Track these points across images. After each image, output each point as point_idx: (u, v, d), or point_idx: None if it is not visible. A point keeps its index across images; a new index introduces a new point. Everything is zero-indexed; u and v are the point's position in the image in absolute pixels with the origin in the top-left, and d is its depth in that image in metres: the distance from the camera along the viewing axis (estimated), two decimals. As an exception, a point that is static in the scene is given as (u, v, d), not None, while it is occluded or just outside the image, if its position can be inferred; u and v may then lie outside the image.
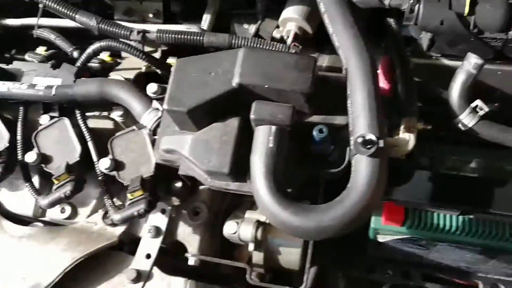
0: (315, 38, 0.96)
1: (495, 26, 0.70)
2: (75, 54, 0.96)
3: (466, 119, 0.72)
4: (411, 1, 0.71)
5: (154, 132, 0.77)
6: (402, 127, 0.73)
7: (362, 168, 0.60)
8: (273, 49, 0.88)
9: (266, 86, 0.65)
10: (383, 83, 0.78)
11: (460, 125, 0.73)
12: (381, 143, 0.59)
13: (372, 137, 0.60)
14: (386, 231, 0.78)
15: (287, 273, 0.84)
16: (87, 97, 0.82)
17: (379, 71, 0.80)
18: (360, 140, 0.59)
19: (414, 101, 0.75)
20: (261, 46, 0.90)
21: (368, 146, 0.59)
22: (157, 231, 0.80)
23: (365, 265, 0.96)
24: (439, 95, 0.91)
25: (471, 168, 0.77)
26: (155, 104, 0.78)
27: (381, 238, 0.81)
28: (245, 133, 0.68)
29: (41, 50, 0.98)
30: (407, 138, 0.73)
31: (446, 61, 0.79)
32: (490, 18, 0.70)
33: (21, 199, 0.87)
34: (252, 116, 0.65)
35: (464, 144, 0.80)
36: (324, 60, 0.97)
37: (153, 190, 0.77)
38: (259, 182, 0.62)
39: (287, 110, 0.65)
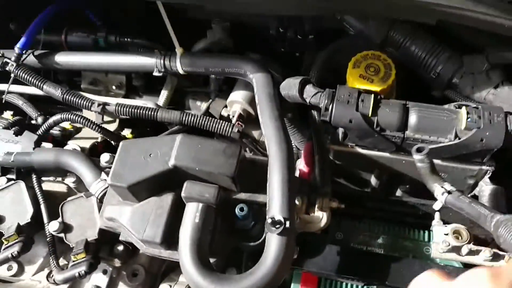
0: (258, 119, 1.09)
1: (393, 126, 0.84)
2: (40, 120, 1.06)
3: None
4: (326, 101, 0.85)
5: (101, 200, 0.86)
6: (316, 206, 0.85)
7: (271, 244, 0.71)
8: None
9: (197, 168, 0.76)
10: (303, 167, 0.91)
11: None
12: (288, 224, 0.70)
13: (281, 218, 0.70)
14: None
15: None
16: (43, 165, 0.91)
17: (302, 156, 0.93)
18: (269, 220, 0.70)
19: (328, 183, 0.87)
20: (208, 123, 1.01)
21: (277, 226, 0.70)
22: (98, 290, 0.88)
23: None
24: (356, 173, 1.05)
25: (378, 243, 0.89)
26: (104, 175, 0.88)
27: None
28: (179, 207, 0.78)
29: (7, 114, 1.08)
30: (320, 216, 0.84)
31: (359, 150, 0.92)
32: (389, 120, 0.84)
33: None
34: (183, 194, 0.76)
35: (375, 221, 0.92)
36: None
37: (96, 252, 0.85)
38: (184, 254, 0.72)
39: (213, 190, 0.76)
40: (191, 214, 0.74)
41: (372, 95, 0.85)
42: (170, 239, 0.77)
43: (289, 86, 0.91)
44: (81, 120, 0.95)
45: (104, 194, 0.85)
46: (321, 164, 0.89)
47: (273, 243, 0.70)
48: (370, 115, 0.84)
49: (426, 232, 0.88)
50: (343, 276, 0.82)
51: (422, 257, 0.86)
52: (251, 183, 0.83)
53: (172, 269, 0.94)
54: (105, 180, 0.87)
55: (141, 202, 0.79)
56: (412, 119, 0.84)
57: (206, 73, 1.07)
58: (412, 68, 1.01)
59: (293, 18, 1.10)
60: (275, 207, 0.73)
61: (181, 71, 1.05)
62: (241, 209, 0.77)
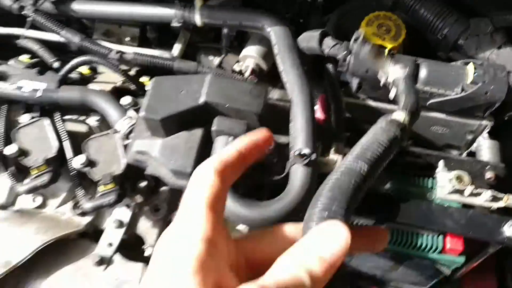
0: (269, 75, 1.14)
1: (405, 78, 0.91)
2: (56, 64, 1.08)
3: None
4: (345, 52, 0.91)
5: (127, 136, 0.90)
6: (332, 149, 0.91)
7: (298, 174, 0.76)
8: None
9: (226, 105, 0.81)
10: (320, 114, 0.97)
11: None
12: (313, 156, 0.76)
13: (307, 151, 0.76)
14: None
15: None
16: (69, 102, 0.93)
17: (318, 105, 0.99)
18: (297, 153, 0.76)
19: (343, 130, 0.93)
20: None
21: (304, 158, 0.76)
22: (120, 223, 0.91)
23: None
24: (363, 127, 1.11)
25: (385, 189, 0.96)
26: (130, 113, 0.91)
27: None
28: (206, 142, 0.83)
29: (23, 58, 1.09)
30: (335, 158, 0.90)
31: (370, 102, 0.98)
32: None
33: (-7, 190, 0.96)
34: (213, 128, 0.80)
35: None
36: (275, 94, 1.14)
37: (121, 186, 0.89)
38: (215, 181, 0.77)
39: (242, 125, 0.80)
40: (221, 146, 0.79)
41: (386, 50, 0.91)
42: (198, 171, 0.81)
43: (308, 38, 0.96)
44: (106, 62, 0.98)
45: (130, 131, 0.89)
46: (336, 112, 0.94)
47: (299, 173, 0.76)
48: (386, 66, 0.90)
49: (430, 180, 0.95)
50: (355, 214, 0.89)
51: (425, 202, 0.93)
52: (272, 125, 0.87)
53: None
54: (131, 117, 0.90)
55: (170, 136, 0.83)
56: (422, 72, 0.91)
57: (223, 26, 1.10)
58: (419, 30, 1.07)
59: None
60: (301, 142, 0.78)
61: (199, 23, 1.08)
62: (267, 144, 0.82)
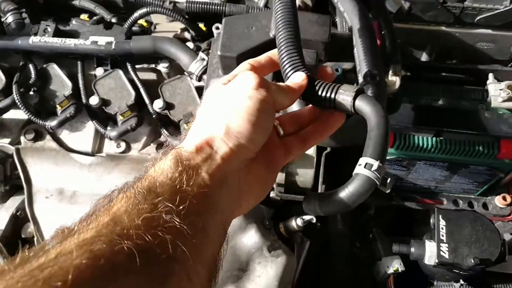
0: (313, 10, 1.18)
1: (455, -3, 0.96)
2: (114, 20, 1.14)
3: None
4: (396, -22, 0.96)
5: (200, 78, 0.97)
6: (390, 72, 0.97)
7: (369, 94, 0.84)
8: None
9: (295, 36, 0.87)
10: (375, 40, 1.02)
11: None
12: (383, 76, 0.83)
13: (376, 72, 0.83)
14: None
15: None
16: (142, 51, 1.00)
17: (372, 31, 1.04)
18: (368, 74, 0.83)
19: (398, 53, 0.99)
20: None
21: (374, 78, 0.83)
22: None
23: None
24: (409, 51, 1.18)
25: (439, 104, 1.03)
26: (202, 55, 0.97)
27: (374, 160, 1.05)
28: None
29: (84, 16, 1.15)
30: (394, 80, 0.97)
31: (420, 25, 1.04)
32: (452, -9, 0.96)
33: (80, 138, 1.04)
34: (286, 59, 0.87)
35: (432, 84, 1.05)
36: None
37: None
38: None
39: (312, 54, 0.87)
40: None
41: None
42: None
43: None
44: (168, 12, 1.03)
45: (203, 72, 0.96)
46: (390, 36, 1.00)
47: (371, 92, 0.83)
48: (435, -13, 0.95)
49: (480, 92, 1.02)
50: (416, 127, 0.96)
51: (479, 111, 1.00)
52: (334, 53, 0.94)
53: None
54: (203, 59, 0.97)
55: (244, 72, 0.90)
56: (471, -11, 0.95)
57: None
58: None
59: None
60: (370, 64, 0.85)
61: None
62: (336, 70, 0.89)
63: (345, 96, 0.58)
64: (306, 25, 0.88)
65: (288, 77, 0.61)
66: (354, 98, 0.57)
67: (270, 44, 0.88)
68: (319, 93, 0.59)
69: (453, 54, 1.13)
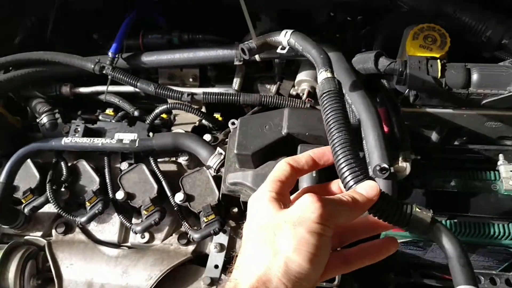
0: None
1: (459, 84, 1.00)
2: (136, 113, 1.22)
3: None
4: (401, 69, 1.01)
5: (217, 171, 1.02)
6: (400, 158, 1.00)
7: (380, 187, 0.87)
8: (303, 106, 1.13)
9: (306, 133, 0.92)
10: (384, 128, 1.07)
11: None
12: (392, 169, 0.86)
13: (386, 165, 0.87)
14: (394, 236, 1.04)
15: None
16: (163, 147, 1.07)
17: (379, 119, 1.09)
18: (378, 168, 0.86)
19: (407, 139, 1.03)
20: (283, 102, 1.18)
21: (383, 172, 0.86)
22: (221, 247, 1.04)
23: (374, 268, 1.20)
24: (419, 131, 1.22)
25: (451, 186, 1.05)
26: (219, 150, 1.03)
27: (390, 243, 1.07)
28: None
29: (109, 111, 1.24)
30: (404, 166, 1.00)
31: (428, 109, 1.08)
32: (455, 79, 1.00)
33: (107, 230, 1.10)
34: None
35: (443, 165, 1.08)
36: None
37: (219, 215, 1.01)
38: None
39: (323, 150, 0.92)
40: (308, 171, 0.90)
41: (438, 60, 1.01)
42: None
43: (364, 60, 1.06)
44: (184, 107, 1.11)
45: (221, 165, 1.01)
46: (398, 122, 1.04)
47: (381, 186, 0.86)
48: (439, 77, 0.99)
49: (492, 173, 1.04)
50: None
51: (492, 193, 1.01)
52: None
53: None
54: (221, 153, 1.03)
55: (259, 166, 0.95)
56: (475, 76, 0.99)
57: (280, 58, 1.22)
58: (461, 34, 1.16)
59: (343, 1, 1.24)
60: (378, 158, 0.89)
61: (258, 59, 1.20)
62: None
63: (421, 216, 0.60)
64: (316, 122, 0.93)
65: (350, 187, 0.57)
66: (431, 223, 0.60)
67: (282, 142, 0.94)
68: (391, 207, 0.58)
69: (462, 133, 1.16)
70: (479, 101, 1.02)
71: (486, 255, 1.08)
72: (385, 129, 1.08)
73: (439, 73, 0.99)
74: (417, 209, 0.59)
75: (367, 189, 0.56)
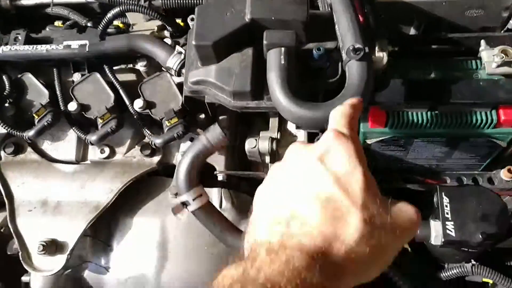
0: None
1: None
2: (89, 24, 1.10)
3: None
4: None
5: (179, 72, 0.93)
6: (376, 48, 0.93)
7: (354, 70, 0.79)
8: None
9: (272, 18, 0.83)
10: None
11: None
12: (367, 49, 0.79)
13: (360, 45, 0.79)
14: (373, 134, 0.97)
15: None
16: (117, 50, 0.96)
17: (354, 8, 1.00)
18: (351, 48, 0.78)
19: (382, 28, 0.95)
20: None
21: (357, 53, 0.78)
22: (188, 155, 0.96)
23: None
24: (396, 27, 1.14)
25: (431, 77, 0.98)
26: (178, 48, 0.94)
27: (369, 141, 1.01)
28: (259, 59, 0.86)
29: (58, 23, 1.12)
30: (381, 56, 0.92)
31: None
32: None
33: (63, 147, 1.01)
34: (265, 42, 0.82)
35: (422, 58, 1.01)
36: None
37: (184, 119, 0.93)
38: (277, 91, 0.80)
39: (291, 35, 0.83)
40: (276, 57, 0.82)
41: None
42: (257, 88, 0.85)
43: None
44: (142, 9, 0.99)
45: (182, 65, 0.92)
46: (372, 11, 0.96)
47: (356, 67, 0.79)
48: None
49: (474, 61, 0.97)
50: (409, 102, 0.92)
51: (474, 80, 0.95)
52: (316, 33, 0.90)
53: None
54: (181, 53, 0.93)
55: (223, 60, 0.86)
56: (454, -45, 0.91)
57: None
58: None
59: None
60: (352, 39, 0.80)
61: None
62: (318, 49, 0.84)
63: None
64: (282, 4, 0.84)
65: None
66: None
67: (246, 29, 0.85)
68: None
69: (442, 26, 1.09)
70: (459, -17, 0.95)
71: (468, 151, 1.03)
72: (361, 19, 0.99)
73: (415, -49, 0.90)
74: None
75: None
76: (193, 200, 0.77)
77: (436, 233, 0.93)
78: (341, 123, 0.56)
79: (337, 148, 0.49)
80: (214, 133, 0.82)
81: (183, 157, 0.80)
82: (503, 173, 1.09)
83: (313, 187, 0.46)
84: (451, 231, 0.91)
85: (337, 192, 0.45)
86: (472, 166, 1.11)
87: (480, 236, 0.88)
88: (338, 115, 0.60)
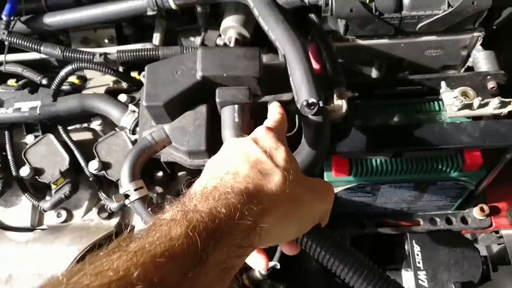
0: (252, 41, 1.13)
1: (390, 8, 0.91)
2: (44, 81, 1.07)
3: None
4: (325, -3, 0.91)
5: (133, 131, 0.90)
6: (335, 95, 0.91)
7: (310, 124, 0.77)
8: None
9: (224, 74, 0.81)
10: (314, 65, 0.96)
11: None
12: (321, 103, 0.76)
13: (313, 100, 0.76)
14: (337, 182, 0.95)
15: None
16: (69, 112, 0.93)
17: (310, 56, 0.99)
18: (305, 103, 0.76)
19: (340, 74, 0.93)
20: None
21: (312, 108, 0.76)
22: (147, 216, 0.92)
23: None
24: (357, 69, 1.13)
25: (395, 121, 0.96)
26: (131, 107, 0.91)
27: (335, 190, 0.98)
28: (213, 116, 0.83)
29: (11, 82, 1.08)
30: (340, 104, 0.90)
31: (361, 41, 0.98)
32: (385, 3, 0.90)
33: (17, 213, 0.96)
34: (217, 100, 0.80)
35: (384, 101, 0.99)
36: (263, 58, 1.13)
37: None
38: (232, 150, 0.77)
39: (245, 91, 0.80)
40: (230, 115, 0.79)
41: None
42: (212, 146, 0.82)
43: (287, -7, 0.96)
44: (94, 66, 0.97)
45: (136, 124, 0.89)
46: (330, 58, 0.94)
47: (311, 123, 0.76)
48: (368, 1, 0.90)
49: (436, 103, 0.96)
50: (372, 151, 0.90)
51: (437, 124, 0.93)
52: (271, 86, 0.88)
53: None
54: (134, 111, 0.90)
55: (176, 119, 0.83)
56: (405, -2, 0.90)
57: (197, 3, 1.09)
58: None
59: None
60: (306, 93, 0.78)
61: (173, 6, 1.07)
62: (273, 104, 0.82)
63: None
64: (234, 60, 0.82)
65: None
66: None
67: (198, 87, 0.82)
68: None
69: (403, 66, 1.08)
70: (414, 25, 0.94)
71: (438, 193, 1.01)
72: (317, 66, 0.98)
73: (368, -2, 0.90)
74: None
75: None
76: (134, 190, 0.77)
77: (408, 285, 0.89)
78: (269, 123, 0.69)
79: (266, 135, 0.62)
80: (159, 131, 0.82)
81: (129, 152, 0.81)
82: (476, 212, 1.07)
83: (245, 155, 0.58)
84: (424, 282, 0.88)
85: (264, 157, 0.57)
86: (444, 207, 1.09)
87: (453, 287, 0.85)
88: (269, 117, 0.72)
